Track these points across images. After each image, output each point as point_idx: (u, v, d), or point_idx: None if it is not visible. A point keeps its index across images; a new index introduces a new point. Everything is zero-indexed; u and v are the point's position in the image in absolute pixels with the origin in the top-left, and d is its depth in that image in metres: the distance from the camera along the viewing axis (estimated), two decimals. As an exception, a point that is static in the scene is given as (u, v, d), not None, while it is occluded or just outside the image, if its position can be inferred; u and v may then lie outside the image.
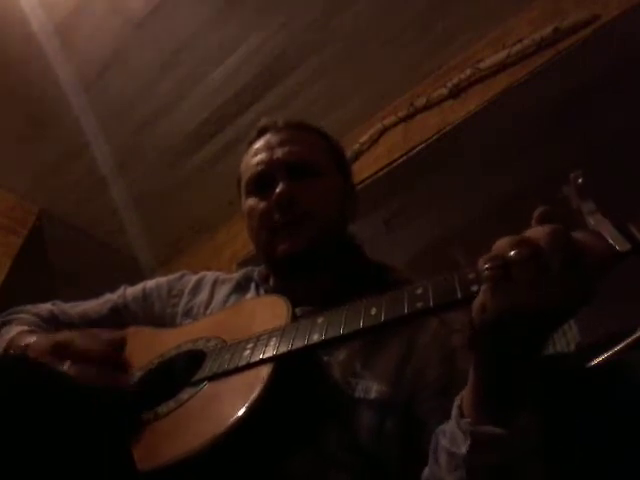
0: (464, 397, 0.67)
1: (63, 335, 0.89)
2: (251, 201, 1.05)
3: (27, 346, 0.87)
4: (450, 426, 0.67)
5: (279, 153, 1.04)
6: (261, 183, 1.04)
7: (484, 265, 0.56)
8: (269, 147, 1.06)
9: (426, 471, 0.72)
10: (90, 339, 0.87)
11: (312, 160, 1.05)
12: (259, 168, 1.05)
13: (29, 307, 1.15)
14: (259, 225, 1.03)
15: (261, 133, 1.11)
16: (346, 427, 0.82)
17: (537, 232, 0.56)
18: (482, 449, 0.62)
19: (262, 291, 1.08)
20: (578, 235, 0.57)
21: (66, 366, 0.79)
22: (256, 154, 1.07)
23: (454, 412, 0.67)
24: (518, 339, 0.58)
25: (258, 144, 1.09)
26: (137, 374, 0.92)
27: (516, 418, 0.62)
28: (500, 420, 0.62)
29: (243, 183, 1.09)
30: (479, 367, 0.63)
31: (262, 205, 1.02)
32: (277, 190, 1.00)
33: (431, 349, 0.88)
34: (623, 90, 2.05)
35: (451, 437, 0.66)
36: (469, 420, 0.64)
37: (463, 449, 0.63)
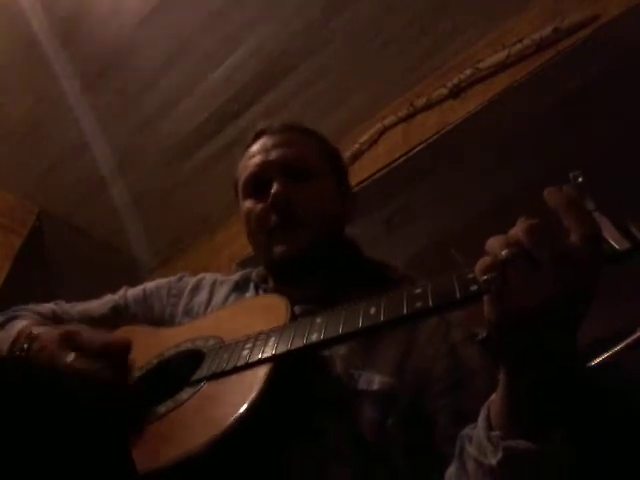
0: (492, 408, 0.65)
1: (72, 325, 0.88)
2: (248, 203, 1.07)
3: (37, 335, 0.87)
4: (477, 435, 0.65)
5: (274, 155, 1.06)
6: (257, 185, 1.06)
7: (482, 275, 0.57)
8: (264, 150, 1.08)
9: (451, 472, 0.71)
10: (98, 333, 0.87)
11: (306, 162, 1.06)
12: (254, 170, 1.06)
13: (31, 306, 1.16)
14: (256, 227, 1.05)
15: (257, 137, 1.12)
16: (348, 420, 0.82)
17: (515, 230, 0.57)
18: (513, 463, 0.60)
19: (261, 291, 1.09)
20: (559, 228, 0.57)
21: (71, 358, 0.78)
22: (252, 157, 1.09)
23: (482, 423, 0.65)
24: (533, 343, 0.58)
25: (254, 147, 1.10)
26: (136, 373, 0.92)
27: (549, 432, 0.60)
28: (532, 433, 0.60)
29: (240, 186, 1.11)
30: (507, 378, 0.62)
31: (259, 207, 1.04)
32: (272, 191, 1.01)
33: (432, 345, 0.88)
34: (623, 90, 2.04)
35: (478, 446, 0.64)
36: (499, 434, 0.62)
37: (493, 461, 0.61)
